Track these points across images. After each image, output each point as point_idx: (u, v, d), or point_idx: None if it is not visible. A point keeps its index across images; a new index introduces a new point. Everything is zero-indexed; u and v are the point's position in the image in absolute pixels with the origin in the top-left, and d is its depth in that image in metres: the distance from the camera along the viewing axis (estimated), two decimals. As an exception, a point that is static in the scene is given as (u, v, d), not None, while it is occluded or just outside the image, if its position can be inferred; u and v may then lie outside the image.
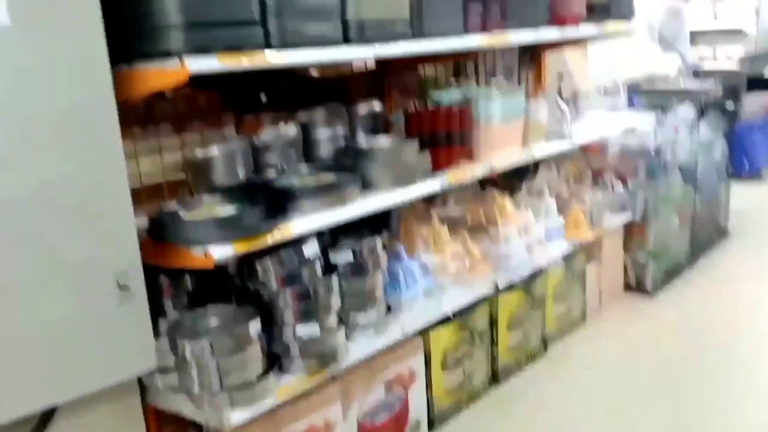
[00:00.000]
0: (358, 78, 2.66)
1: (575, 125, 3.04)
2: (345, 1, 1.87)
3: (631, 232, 3.56)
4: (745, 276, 3.80)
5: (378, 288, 2.17)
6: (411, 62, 2.78)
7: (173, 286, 1.94)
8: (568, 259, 3.07)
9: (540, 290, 2.92)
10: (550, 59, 3.53)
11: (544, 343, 3.00)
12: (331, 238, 2.19)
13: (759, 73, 6.24)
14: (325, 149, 2.30)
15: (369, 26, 1.95)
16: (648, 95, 3.88)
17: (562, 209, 3.08)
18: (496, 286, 2.64)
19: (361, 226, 2.23)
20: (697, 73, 6.22)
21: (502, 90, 2.70)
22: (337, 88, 2.56)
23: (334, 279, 1.97)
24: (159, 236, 1.76)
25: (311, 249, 1.96)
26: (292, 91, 2.39)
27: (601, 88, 3.45)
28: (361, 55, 1.95)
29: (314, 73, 2.62)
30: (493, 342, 2.73)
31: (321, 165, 2.21)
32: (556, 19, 2.71)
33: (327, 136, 2.30)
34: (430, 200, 2.72)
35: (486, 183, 3.04)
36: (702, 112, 3.94)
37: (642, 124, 3.49)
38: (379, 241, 2.18)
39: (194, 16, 1.54)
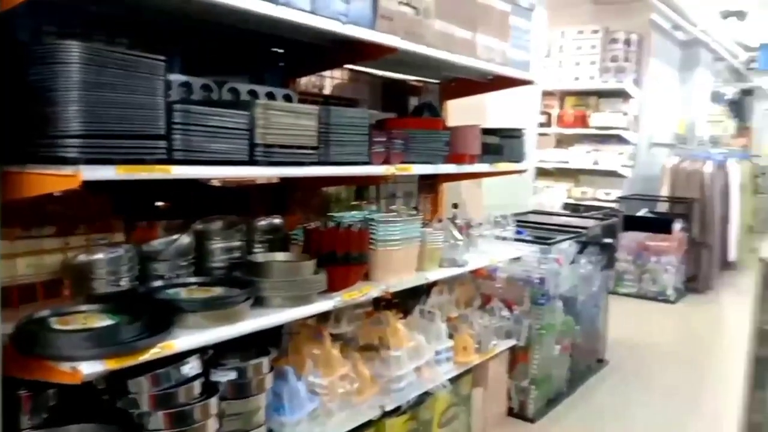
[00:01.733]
0: (261, 190, 2.68)
1: (467, 252, 3.18)
2: (253, 126, 1.93)
3: (515, 358, 3.67)
4: (620, 406, 3.98)
5: (260, 410, 2.09)
6: (315, 181, 2.86)
7: (32, 401, 1.76)
8: (455, 383, 3.10)
9: (427, 415, 2.90)
10: (447, 189, 3.73)
11: (428, 471, 2.95)
12: (214, 353, 2.10)
13: (634, 213, 6.89)
14: (219, 261, 2.27)
15: (275, 150, 2.00)
16: (534, 228, 4.16)
17: (451, 332, 3.15)
18: (383, 410, 2.60)
19: (249, 342, 2.17)
20: (579, 209, 6.76)
21: (400, 214, 2.80)
22: (237, 199, 2.56)
23: (213, 402, 1.88)
24: (23, 345, 1.62)
25: (192, 367, 1.87)
26: (189, 199, 2.36)
27: (492, 218, 3.66)
28: (266, 174, 1.99)
29: (215, 182, 2.62)
30: (377, 469, 2.65)
31: (213, 278, 2.17)
32: (454, 157, 2.90)
33: (222, 248, 2.27)
34: (323, 318, 2.69)
35: (380, 303, 3.07)
36: (583, 247, 4.25)
37: (528, 254, 3.70)
38: (266, 361, 2.12)
39: (95, 127, 1.52)
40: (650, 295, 6.70)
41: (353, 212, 2.82)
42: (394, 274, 2.65)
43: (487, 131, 3.18)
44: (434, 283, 3.16)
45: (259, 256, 2.31)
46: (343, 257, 2.41)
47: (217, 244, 2.26)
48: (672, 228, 6.67)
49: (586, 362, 4.37)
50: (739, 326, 6.08)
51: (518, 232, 3.81)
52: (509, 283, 3.69)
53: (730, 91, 12.83)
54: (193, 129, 1.79)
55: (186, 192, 2.46)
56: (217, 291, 2.03)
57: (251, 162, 1.94)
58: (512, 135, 3.36)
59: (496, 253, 3.40)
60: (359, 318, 2.82)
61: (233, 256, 2.29)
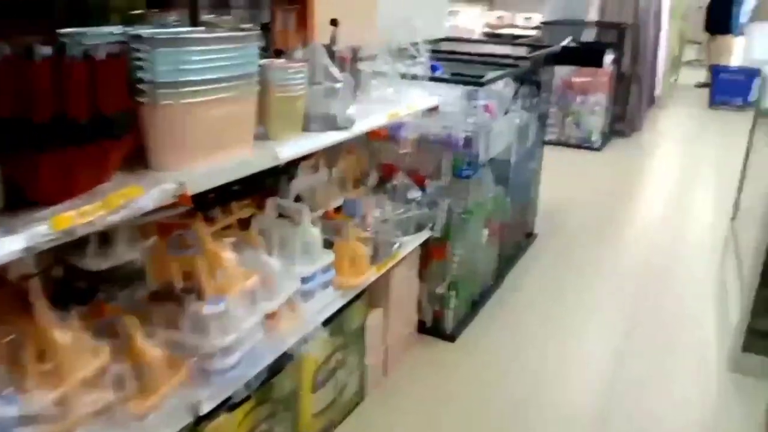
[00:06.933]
0: None
1: (354, 101, 1.87)
2: None
3: (429, 256, 2.52)
4: (554, 298, 3.02)
5: None
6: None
7: None
8: (338, 319, 1.91)
9: (288, 386, 1.72)
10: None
11: (298, 460, 1.83)
12: None
13: (558, 43, 5.67)
14: None
15: None
16: (453, 63, 2.84)
17: (330, 239, 1.91)
18: (197, 413, 1.37)
19: None
20: (498, 37, 5.48)
21: (212, 29, 1.39)
22: None
23: None
24: None
25: None
26: None
27: (392, 48, 2.30)
28: None
29: None
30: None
31: None
32: None
33: None
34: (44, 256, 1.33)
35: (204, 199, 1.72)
36: (518, 88, 3.02)
37: (447, 102, 2.42)
38: None
39: None
40: (573, 142, 5.74)
41: (115, 27, 1.37)
42: (201, 154, 1.31)
43: None
44: (301, 159, 1.84)
45: None
46: (71, 125, 1.03)
47: None
48: (603, 60, 5.55)
49: (514, 241, 3.33)
50: (674, 176, 5.30)
51: (433, 69, 2.50)
52: (420, 148, 2.41)
53: None
54: None
55: None
56: None
57: None
58: None
59: (401, 101, 2.09)
60: (145, 236, 1.48)
61: None
